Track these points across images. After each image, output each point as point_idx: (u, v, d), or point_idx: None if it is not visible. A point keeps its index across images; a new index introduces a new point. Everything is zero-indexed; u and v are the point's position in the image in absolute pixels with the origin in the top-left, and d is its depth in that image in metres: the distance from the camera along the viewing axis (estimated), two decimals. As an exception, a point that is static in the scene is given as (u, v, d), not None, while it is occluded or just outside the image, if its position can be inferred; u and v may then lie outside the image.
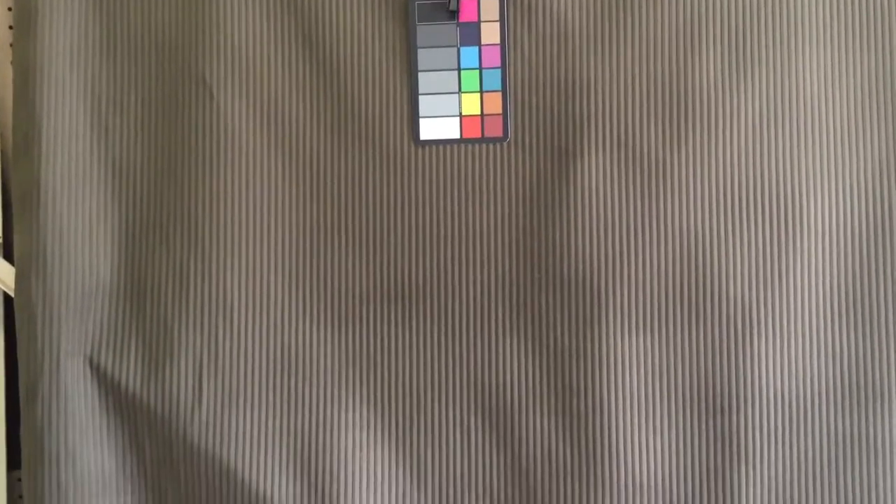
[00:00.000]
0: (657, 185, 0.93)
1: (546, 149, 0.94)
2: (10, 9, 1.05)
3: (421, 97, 0.95)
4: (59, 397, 0.93)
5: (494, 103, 0.95)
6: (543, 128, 0.94)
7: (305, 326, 0.96)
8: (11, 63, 1.01)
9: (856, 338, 0.93)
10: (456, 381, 0.95)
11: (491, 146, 0.95)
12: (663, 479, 0.92)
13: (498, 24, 0.95)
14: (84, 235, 0.96)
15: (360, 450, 0.95)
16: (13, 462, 1.02)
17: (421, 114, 0.95)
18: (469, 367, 0.95)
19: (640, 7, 0.93)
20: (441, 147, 0.95)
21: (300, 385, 0.96)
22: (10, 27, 1.04)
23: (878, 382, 0.93)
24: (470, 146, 0.95)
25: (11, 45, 1.02)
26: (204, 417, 0.94)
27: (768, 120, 0.93)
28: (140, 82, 0.98)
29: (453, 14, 0.95)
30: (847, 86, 0.94)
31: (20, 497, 1.03)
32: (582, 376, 0.93)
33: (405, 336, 0.96)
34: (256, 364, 0.96)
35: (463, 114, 0.96)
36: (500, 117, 0.95)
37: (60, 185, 0.95)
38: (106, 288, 0.97)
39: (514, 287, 0.95)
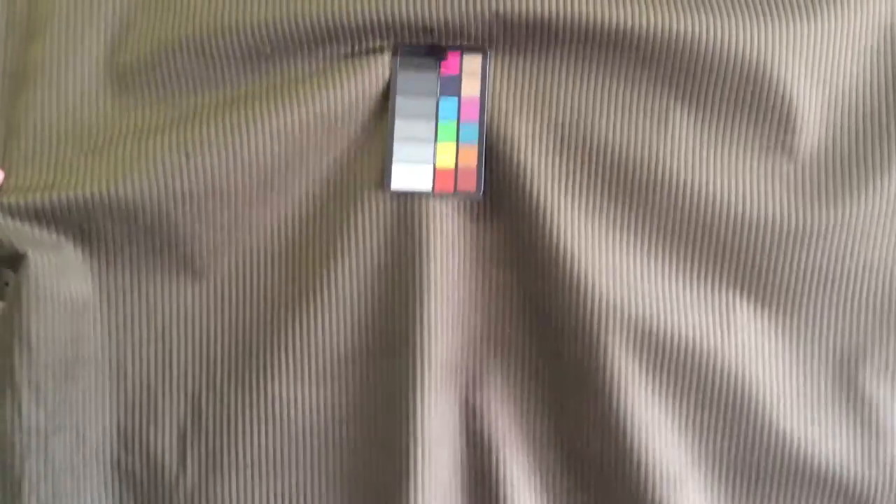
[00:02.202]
0: (634, 247, 0.91)
1: (520, 206, 0.92)
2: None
3: (396, 143, 0.93)
4: (47, 477, 0.88)
5: (470, 157, 0.94)
6: (518, 184, 0.92)
7: (290, 386, 0.92)
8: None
9: None
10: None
11: (463, 202, 0.93)
12: None
13: (479, 78, 0.94)
14: (67, 307, 0.91)
15: None
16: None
17: (394, 159, 0.93)
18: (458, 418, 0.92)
19: (619, 72, 0.92)
20: (411, 198, 0.93)
21: (287, 446, 0.92)
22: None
23: None
24: (441, 200, 0.93)
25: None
26: (189, 484, 0.91)
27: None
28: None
29: (435, 64, 0.94)
30: None
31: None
32: (583, 431, 0.91)
33: (388, 389, 0.92)
34: (241, 427, 0.91)
35: (437, 165, 0.94)
36: (475, 172, 0.93)
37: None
38: (89, 357, 0.92)
39: (487, 343, 0.93)
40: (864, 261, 0.93)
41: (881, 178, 0.91)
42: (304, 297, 0.92)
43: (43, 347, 0.87)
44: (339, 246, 0.92)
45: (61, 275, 0.90)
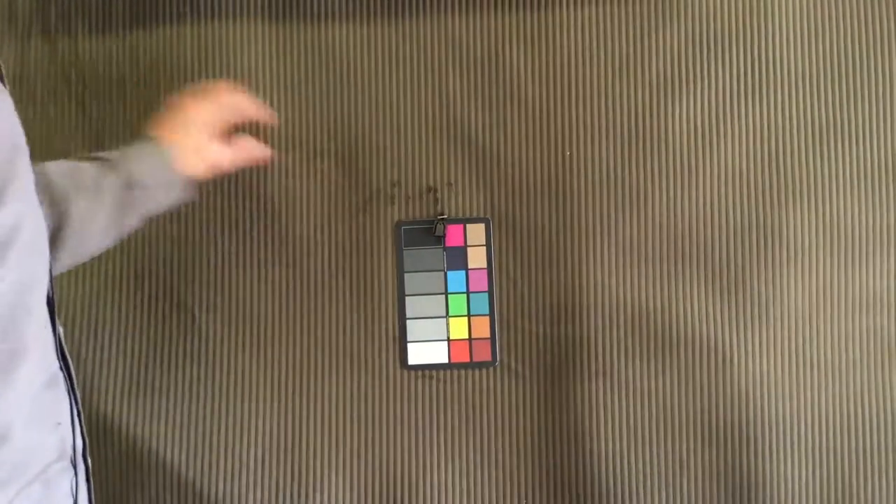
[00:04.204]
0: (644, 415, 0.94)
1: (534, 374, 0.95)
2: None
3: (409, 321, 0.96)
4: None
5: (483, 327, 0.96)
6: (531, 352, 0.95)
7: None
8: None
9: None
10: None
11: (479, 370, 0.95)
12: None
13: (484, 249, 0.96)
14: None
15: None
16: None
17: (409, 338, 0.96)
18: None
19: (622, 228, 0.95)
20: (429, 371, 0.95)
21: None
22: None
23: None
24: (458, 370, 0.95)
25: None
26: None
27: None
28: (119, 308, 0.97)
29: (440, 239, 0.96)
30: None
31: None
32: None
33: None
34: None
35: (451, 338, 0.96)
36: (489, 342, 0.95)
37: None
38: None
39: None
40: None
41: None
42: (310, 468, 0.95)
43: None
44: (351, 414, 0.96)
45: None
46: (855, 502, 0.93)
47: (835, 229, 0.94)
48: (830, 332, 0.94)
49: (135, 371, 0.96)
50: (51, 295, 0.65)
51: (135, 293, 0.97)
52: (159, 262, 0.97)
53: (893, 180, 0.95)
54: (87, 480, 0.73)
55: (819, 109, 0.95)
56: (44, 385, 0.64)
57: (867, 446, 0.94)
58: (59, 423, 0.66)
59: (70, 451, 0.68)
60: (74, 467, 0.69)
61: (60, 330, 0.69)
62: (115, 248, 0.89)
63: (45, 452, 0.64)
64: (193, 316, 0.96)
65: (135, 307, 0.97)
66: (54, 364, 0.66)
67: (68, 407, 0.68)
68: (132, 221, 0.79)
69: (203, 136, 0.83)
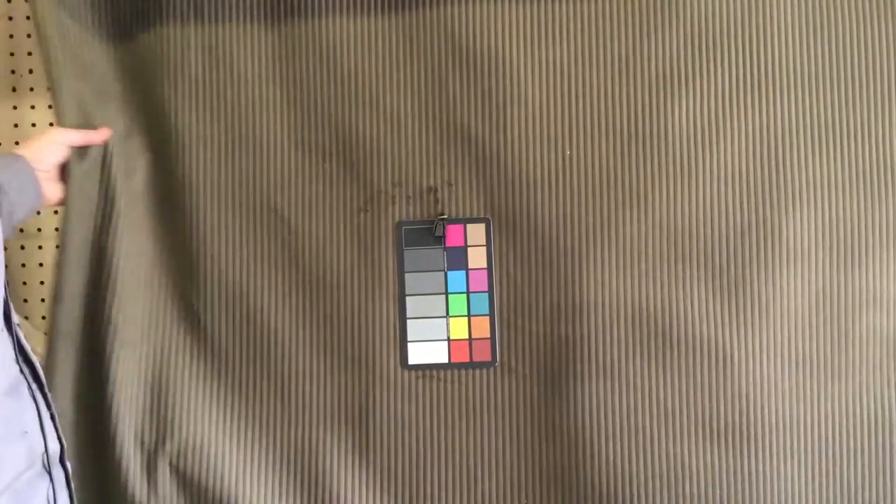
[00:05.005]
0: (644, 414, 0.94)
1: (534, 374, 0.95)
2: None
3: (409, 321, 0.96)
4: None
5: (483, 327, 0.96)
6: (531, 352, 0.95)
7: None
8: None
9: None
10: None
11: (479, 370, 0.96)
12: None
13: (484, 249, 0.96)
14: None
15: None
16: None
17: (409, 338, 0.96)
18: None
19: (622, 227, 0.95)
20: (429, 370, 0.95)
21: None
22: None
23: None
24: (458, 370, 0.95)
25: None
26: None
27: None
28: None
29: (440, 239, 0.96)
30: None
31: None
32: None
33: None
34: None
35: (451, 338, 0.96)
36: (489, 342, 0.96)
37: None
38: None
39: None
40: None
41: None
42: (311, 468, 0.96)
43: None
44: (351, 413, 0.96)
45: None
46: (854, 502, 0.93)
47: (835, 229, 0.94)
48: (830, 332, 0.94)
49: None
50: (6, 301, 0.65)
51: (138, 291, 0.97)
52: (161, 264, 0.97)
53: (893, 180, 0.95)
54: (68, 486, 0.72)
55: (819, 109, 0.95)
56: (2, 394, 0.63)
57: (866, 446, 0.94)
58: (26, 432, 0.65)
59: (41, 458, 0.67)
60: (49, 474, 0.68)
61: (20, 334, 0.68)
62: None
63: (13, 462, 0.63)
64: (198, 317, 0.96)
65: (141, 306, 0.97)
66: (13, 371, 0.65)
67: (35, 413, 0.67)
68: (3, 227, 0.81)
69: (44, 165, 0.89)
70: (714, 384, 0.93)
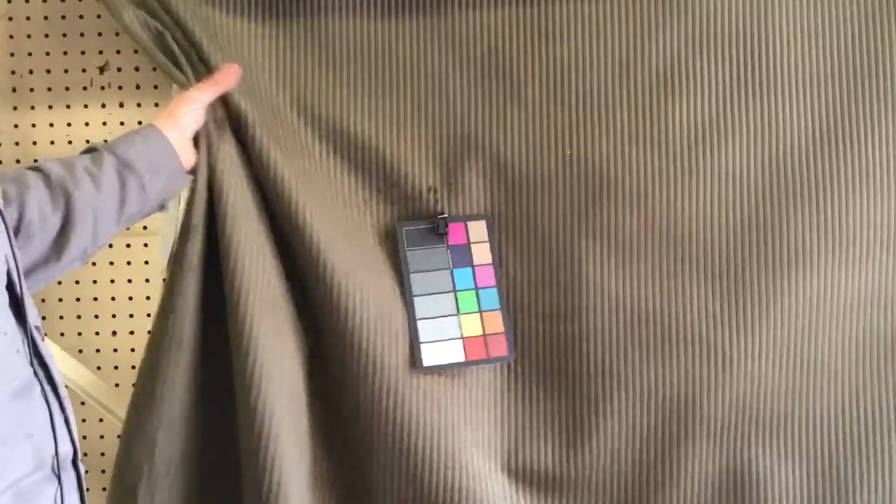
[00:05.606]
0: (643, 414, 0.96)
1: (533, 372, 0.97)
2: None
3: (419, 322, 0.95)
4: None
5: (496, 322, 0.97)
6: (531, 351, 0.97)
7: None
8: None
9: None
10: None
11: (495, 367, 0.96)
12: None
13: (488, 245, 0.98)
14: None
15: None
16: None
17: (421, 339, 0.95)
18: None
19: (622, 227, 0.96)
20: (444, 371, 0.94)
21: None
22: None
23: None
24: (474, 368, 0.96)
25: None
26: None
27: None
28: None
29: (442, 237, 0.97)
30: None
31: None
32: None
33: None
34: None
35: (465, 335, 0.97)
36: (504, 336, 0.97)
37: None
38: None
39: None
40: None
41: None
42: (332, 476, 0.95)
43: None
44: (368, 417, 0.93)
45: None
46: (852, 502, 0.96)
47: (835, 229, 0.96)
48: (830, 332, 0.96)
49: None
50: (20, 299, 0.64)
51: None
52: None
53: (893, 180, 0.97)
54: (79, 488, 0.71)
55: (819, 109, 0.97)
56: (10, 396, 0.62)
57: (865, 446, 0.96)
58: (32, 434, 0.64)
59: (51, 461, 0.66)
60: (58, 477, 0.67)
61: (36, 336, 0.67)
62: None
63: (15, 465, 0.62)
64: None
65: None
66: (24, 373, 0.64)
67: (46, 415, 0.66)
68: (134, 203, 0.81)
69: (187, 132, 0.87)
70: (714, 384, 0.95)
